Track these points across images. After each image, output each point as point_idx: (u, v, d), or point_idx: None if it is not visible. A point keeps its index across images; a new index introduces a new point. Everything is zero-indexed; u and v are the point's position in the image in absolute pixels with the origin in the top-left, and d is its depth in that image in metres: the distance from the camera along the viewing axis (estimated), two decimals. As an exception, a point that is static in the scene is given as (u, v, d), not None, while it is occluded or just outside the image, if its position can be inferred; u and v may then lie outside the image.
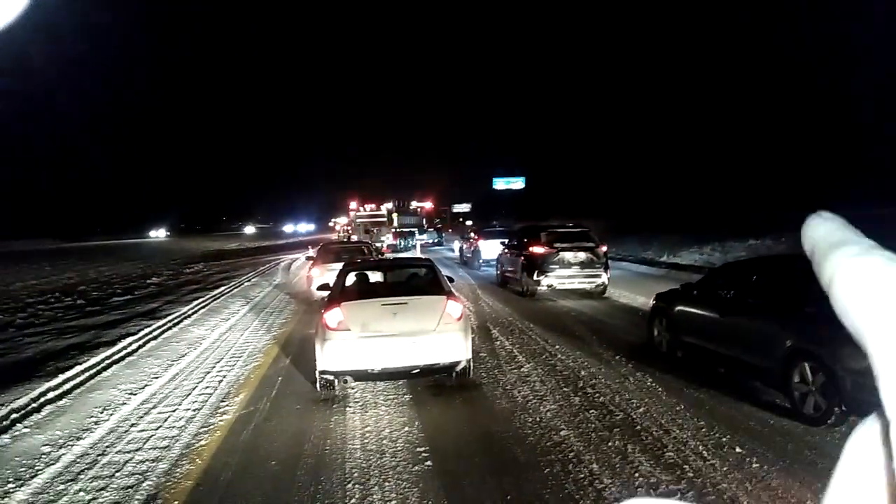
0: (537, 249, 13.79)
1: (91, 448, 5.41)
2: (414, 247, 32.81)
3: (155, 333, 10.52)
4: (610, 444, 5.12)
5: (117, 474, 4.81)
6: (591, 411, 5.94)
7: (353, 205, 41.20)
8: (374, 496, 4.33)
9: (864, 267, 0.33)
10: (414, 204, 43.93)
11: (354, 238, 33.26)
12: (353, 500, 4.28)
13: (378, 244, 26.00)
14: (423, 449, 5.15)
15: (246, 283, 18.88)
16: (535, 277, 13.56)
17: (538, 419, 5.78)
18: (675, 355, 7.76)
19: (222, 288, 17.40)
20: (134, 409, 6.46)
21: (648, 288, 11.88)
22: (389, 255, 22.95)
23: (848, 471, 0.34)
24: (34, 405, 6.55)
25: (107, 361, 8.45)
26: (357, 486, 4.49)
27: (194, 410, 6.32)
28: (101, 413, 6.36)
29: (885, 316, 0.31)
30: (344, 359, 6.35)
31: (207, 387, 7.19)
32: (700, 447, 4.99)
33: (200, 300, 14.68)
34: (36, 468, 4.98)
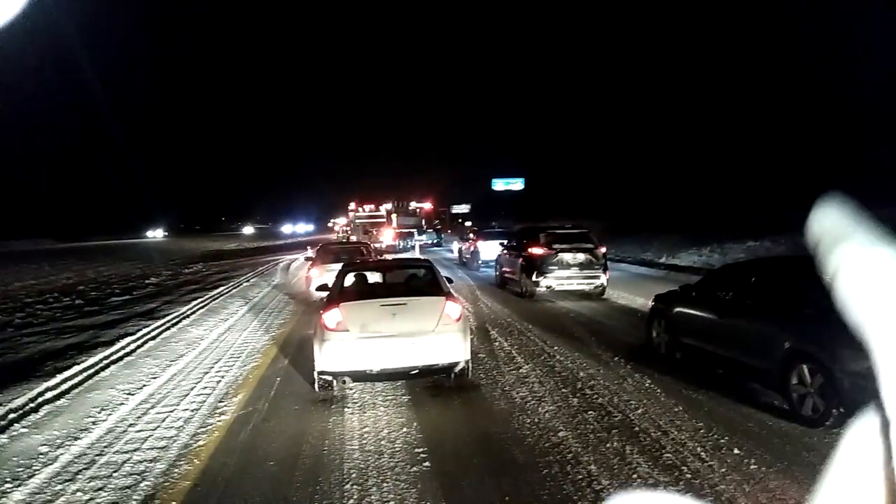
0: (536, 250, 13.80)
1: (89, 448, 5.40)
2: (413, 247, 32.78)
3: (153, 333, 10.51)
4: (608, 445, 5.12)
5: (115, 474, 4.81)
6: (589, 412, 5.94)
7: (351, 205, 41.14)
8: (373, 497, 4.32)
9: (869, 260, 0.33)
10: (413, 204, 43.81)
11: (353, 238, 33.24)
12: (350, 501, 4.27)
13: (377, 245, 25.98)
14: (421, 450, 5.15)
15: (245, 284, 18.87)
16: (533, 278, 13.57)
17: (537, 420, 5.78)
18: (673, 357, 7.76)
19: (221, 288, 17.39)
20: (132, 410, 6.45)
21: (647, 289, 11.88)
22: (388, 256, 22.94)
23: (844, 468, 0.34)
24: (32, 405, 6.55)
25: (105, 361, 8.44)
26: (355, 486, 4.49)
27: (192, 411, 6.32)
28: (99, 413, 6.35)
29: (888, 310, 0.31)
30: (342, 359, 6.35)
31: (206, 387, 7.18)
32: (698, 448, 4.99)
33: (199, 300, 14.67)
34: (33, 468, 4.97)
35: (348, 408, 6.35)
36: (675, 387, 6.69)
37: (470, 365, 6.92)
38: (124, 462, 5.05)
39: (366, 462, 4.93)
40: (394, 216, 39.40)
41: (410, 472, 4.71)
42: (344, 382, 6.85)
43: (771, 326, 6.06)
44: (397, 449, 5.19)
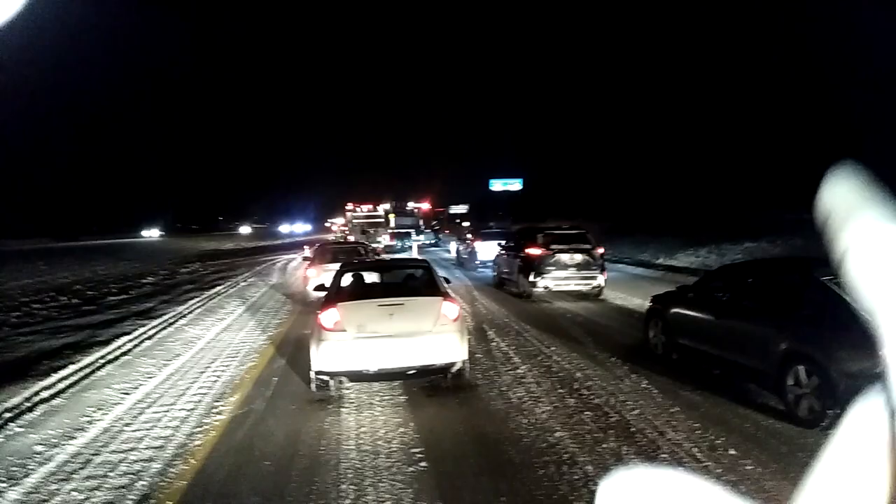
0: (534, 251, 13.80)
1: (85, 447, 5.39)
2: (410, 248, 32.74)
3: (150, 333, 10.50)
4: (605, 445, 5.13)
5: (111, 474, 4.80)
6: (586, 413, 5.95)
7: (349, 205, 41.17)
8: (369, 497, 4.32)
9: (880, 238, 0.32)
10: (411, 205, 43.82)
11: (351, 239, 33.23)
12: (347, 501, 4.27)
13: (374, 245, 25.97)
14: (417, 450, 5.15)
15: (242, 284, 18.85)
16: (531, 279, 13.58)
17: (533, 420, 5.78)
18: (670, 357, 7.77)
19: (218, 288, 17.37)
20: (128, 409, 6.44)
21: (644, 290, 11.90)
22: (386, 256, 22.93)
23: (841, 465, 0.34)
24: (28, 404, 6.53)
25: (101, 361, 8.43)
26: (351, 486, 4.49)
27: (189, 410, 6.31)
28: (95, 412, 6.34)
29: None
30: (340, 359, 6.34)
31: (202, 387, 7.17)
32: (694, 449, 5.00)
33: (196, 300, 14.66)
34: (29, 467, 4.96)
35: (345, 408, 6.35)
36: (671, 387, 6.70)
37: (467, 365, 6.92)
38: (120, 461, 5.04)
39: (362, 462, 4.93)
40: (391, 216, 39.43)
41: (407, 472, 4.71)
42: (341, 382, 6.85)
43: (767, 327, 6.07)
44: (394, 449, 5.19)
